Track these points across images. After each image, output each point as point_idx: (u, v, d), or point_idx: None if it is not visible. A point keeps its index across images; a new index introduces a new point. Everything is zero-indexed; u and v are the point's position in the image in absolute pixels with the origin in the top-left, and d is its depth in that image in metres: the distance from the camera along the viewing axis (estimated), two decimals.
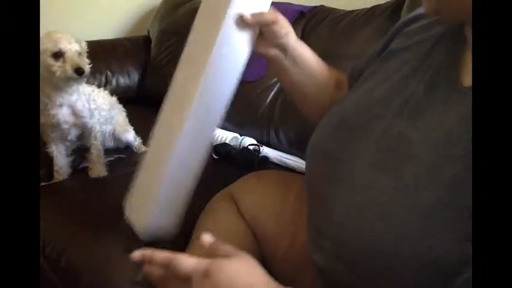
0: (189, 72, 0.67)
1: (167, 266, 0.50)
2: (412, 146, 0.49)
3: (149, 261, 0.53)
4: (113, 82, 1.72)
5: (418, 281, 0.45)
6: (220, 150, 1.25)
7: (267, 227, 0.73)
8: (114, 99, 1.29)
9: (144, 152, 1.00)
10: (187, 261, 0.48)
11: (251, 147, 1.27)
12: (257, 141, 1.31)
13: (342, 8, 1.41)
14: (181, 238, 0.79)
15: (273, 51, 0.71)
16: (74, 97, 1.09)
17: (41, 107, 1.06)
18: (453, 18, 0.52)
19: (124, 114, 1.32)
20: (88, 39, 1.75)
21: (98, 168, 1.16)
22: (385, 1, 1.32)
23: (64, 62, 1.02)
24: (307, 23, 1.40)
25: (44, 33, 1.04)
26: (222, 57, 0.64)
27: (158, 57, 1.71)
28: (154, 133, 0.69)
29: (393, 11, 1.25)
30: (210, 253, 0.51)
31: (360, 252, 0.49)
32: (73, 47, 1.05)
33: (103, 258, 0.87)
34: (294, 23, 1.42)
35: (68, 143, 1.18)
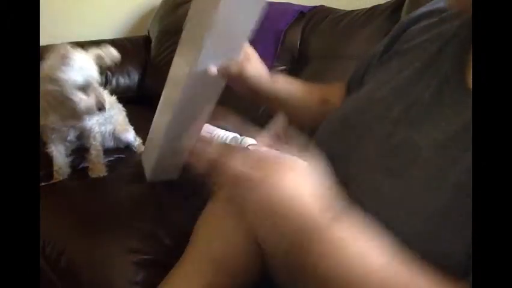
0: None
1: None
2: (419, 151, 0.48)
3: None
4: (113, 82, 1.72)
5: None
6: None
7: (267, 226, 0.73)
8: (114, 98, 1.29)
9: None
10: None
11: (251, 148, 1.26)
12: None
13: (342, 8, 1.41)
14: (181, 238, 0.78)
15: (246, 90, 0.73)
16: None
17: (41, 111, 1.04)
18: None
19: (124, 113, 1.32)
20: (88, 39, 1.77)
21: (98, 168, 1.16)
22: (385, 1, 1.32)
23: (89, 94, 0.98)
24: (307, 23, 1.40)
25: (62, 52, 0.96)
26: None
27: (158, 57, 1.71)
28: (164, 88, 0.75)
29: (393, 11, 1.25)
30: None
31: None
32: (96, 75, 1.00)
33: (103, 258, 0.87)
34: (294, 23, 1.42)
35: (67, 144, 1.18)
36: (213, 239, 0.72)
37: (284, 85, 0.75)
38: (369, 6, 1.34)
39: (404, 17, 0.67)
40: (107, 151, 1.24)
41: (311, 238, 0.44)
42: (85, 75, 0.96)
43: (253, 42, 1.45)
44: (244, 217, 0.74)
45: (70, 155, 1.20)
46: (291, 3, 1.51)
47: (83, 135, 1.16)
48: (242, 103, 1.46)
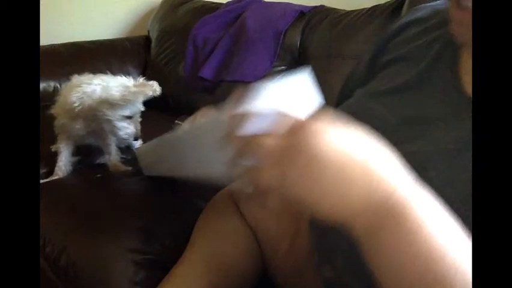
0: None
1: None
2: (426, 161, 0.46)
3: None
4: None
5: None
6: None
7: (268, 226, 0.73)
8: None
9: None
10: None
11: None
12: None
13: (342, 8, 1.41)
14: (181, 238, 0.79)
15: None
16: None
17: (70, 117, 1.09)
18: None
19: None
20: (88, 39, 1.77)
21: (118, 165, 1.18)
22: (385, 1, 1.32)
23: (130, 124, 1.05)
24: (308, 23, 1.40)
25: (120, 84, 1.03)
26: None
27: (158, 57, 1.71)
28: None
29: (393, 11, 1.25)
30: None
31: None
32: (141, 107, 1.07)
33: (103, 258, 0.87)
34: (294, 23, 1.42)
35: (79, 141, 1.19)
36: (213, 239, 0.72)
37: None
38: (369, 6, 1.34)
39: (387, 28, 0.66)
40: None
41: (395, 207, 0.34)
42: (133, 108, 1.05)
43: (254, 42, 1.46)
44: (244, 217, 0.74)
45: (76, 154, 1.21)
46: (291, 3, 1.51)
47: (100, 137, 1.17)
48: None
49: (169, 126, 1.40)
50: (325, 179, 0.35)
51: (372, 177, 0.35)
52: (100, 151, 1.23)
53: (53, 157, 1.18)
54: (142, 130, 1.12)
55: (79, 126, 1.10)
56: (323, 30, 1.36)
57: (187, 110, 1.52)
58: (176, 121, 1.42)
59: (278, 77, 0.44)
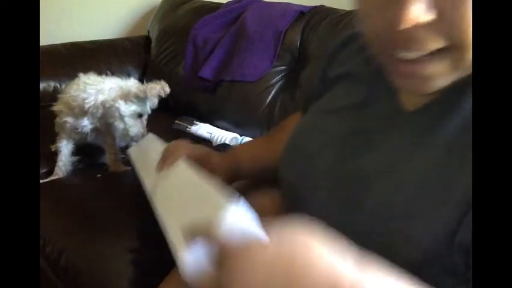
0: None
1: None
2: (370, 181, 0.47)
3: None
4: None
5: None
6: (220, 150, 1.25)
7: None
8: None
9: None
10: None
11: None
12: None
13: (342, 8, 1.41)
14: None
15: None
16: None
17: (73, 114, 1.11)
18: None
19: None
20: (88, 39, 1.77)
21: (117, 164, 1.19)
22: None
23: (140, 122, 1.09)
24: (307, 23, 1.40)
25: (134, 82, 1.09)
26: None
27: (158, 57, 1.71)
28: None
29: None
30: None
31: None
32: (149, 108, 1.11)
33: (103, 258, 0.87)
34: (294, 23, 1.42)
35: (79, 140, 1.20)
36: None
37: (251, 165, 0.73)
38: None
39: (334, 42, 0.67)
40: None
41: None
42: (144, 108, 1.09)
43: (254, 42, 1.46)
44: None
45: (75, 154, 1.21)
46: (291, 3, 1.51)
47: (102, 136, 1.18)
48: (242, 103, 1.46)
49: (169, 126, 1.40)
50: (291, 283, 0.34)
51: (333, 276, 0.34)
52: (100, 151, 1.24)
53: (53, 157, 1.18)
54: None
55: (84, 124, 1.11)
56: (323, 30, 1.36)
57: (187, 110, 1.53)
58: (176, 121, 1.42)
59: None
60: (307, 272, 0.34)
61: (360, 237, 0.46)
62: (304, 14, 1.44)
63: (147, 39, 1.86)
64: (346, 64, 0.61)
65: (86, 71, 1.15)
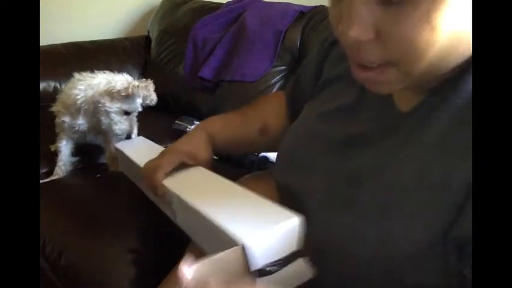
0: None
1: None
2: (364, 181, 0.48)
3: None
4: None
5: None
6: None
7: None
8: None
9: None
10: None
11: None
12: None
13: None
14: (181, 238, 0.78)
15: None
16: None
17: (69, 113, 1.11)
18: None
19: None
20: (88, 39, 1.77)
21: (116, 164, 1.18)
22: None
23: (126, 120, 1.07)
24: (307, 23, 1.40)
25: (124, 79, 1.07)
26: None
27: (158, 57, 1.71)
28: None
29: None
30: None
31: None
32: (139, 106, 1.09)
33: (103, 258, 0.87)
34: (294, 23, 1.42)
35: (79, 139, 1.20)
36: None
37: (224, 135, 0.75)
38: None
39: (325, 36, 0.67)
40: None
41: None
42: (133, 105, 1.07)
43: (254, 42, 1.46)
44: None
45: (76, 154, 1.21)
46: (291, 3, 1.51)
47: (100, 134, 1.18)
48: (242, 103, 1.46)
49: (169, 126, 1.40)
50: None
51: None
52: (100, 151, 1.24)
53: (53, 157, 1.18)
54: (142, 130, 1.12)
55: (80, 122, 1.11)
56: (323, 30, 1.36)
57: (187, 110, 1.53)
58: (176, 121, 1.42)
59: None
60: None
61: (356, 237, 0.47)
62: (304, 14, 1.43)
63: (147, 39, 1.86)
64: (339, 64, 0.61)
65: (86, 71, 1.15)
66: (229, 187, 0.61)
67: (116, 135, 1.08)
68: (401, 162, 0.46)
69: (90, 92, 1.05)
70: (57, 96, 1.15)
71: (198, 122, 1.41)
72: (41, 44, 1.30)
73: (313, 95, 0.64)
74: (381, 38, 0.40)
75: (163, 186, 0.66)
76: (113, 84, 1.04)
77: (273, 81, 1.41)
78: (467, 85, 0.42)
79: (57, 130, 1.17)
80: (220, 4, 1.70)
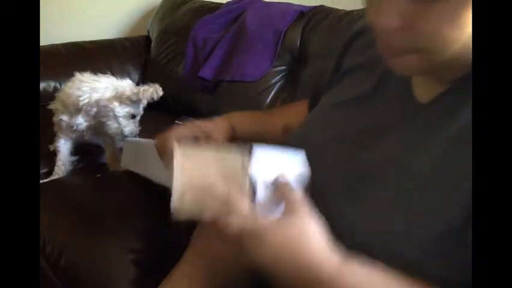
0: None
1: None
2: (381, 173, 0.48)
3: None
4: None
5: None
6: None
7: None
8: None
9: None
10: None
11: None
12: None
13: (342, 8, 1.41)
14: (181, 238, 0.79)
15: None
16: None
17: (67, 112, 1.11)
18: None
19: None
20: (88, 39, 1.77)
21: (116, 164, 1.19)
22: None
23: (133, 122, 1.11)
24: (307, 23, 1.40)
25: (129, 83, 1.10)
26: None
27: (158, 57, 1.71)
28: None
29: None
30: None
31: None
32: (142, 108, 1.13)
33: (103, 258, 0.87)
34: (294, 23, 1.42)
35: (77, 138, 1.20)
36: (214, 239, 0.72)
37: (246, 128, 0.75)
38: None
39: (348, 29, 0.68)
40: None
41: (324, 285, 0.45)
42: (138, 109, 1.11)
43: (254, 42, 1.46)
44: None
45: (74, 154, 1.21)
46: (291, 3, 1.51)
47: (99, 134, 1.19)
48: (242, 103, 1.46)
49: (169, 126, 1.40)
50: (283, 264, 0.45)
51: (315, 267, 0.45)
52: (100, 151, 1.24)
53: (53, 157, 1.18)
54: (142, 130, 1.13)
55: (79, 122, 1.11)
56: (323, 30, 1.36)
57: (187, 110, 1.53)
58: (176, 121, 1.42)
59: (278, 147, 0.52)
60: (297, 256, 0.45)
61: (370, 229, 0.47)
62: (304, 14, 1.43)
63: (147, 39, 1.86)
64: (359, 56, 0.61)
65: (86, 71, 1.15)
66: None
67: (126, 137, 1.11)
68: (420, 154, 0.46)
69: (95, 96, 1.06)
70: (56, 94, 1.15)
71: None
72: (41, 44, 1.29)
73: (330, 87, 0.65)
74: (407, 28, 0.41)
75: (172, 143, 0.66)
76: (121, 90, 1.07)
77: (273, 81, 1.41)
78: None
79: (55, 129, 1.17)
80: (220, 4, 1.70)
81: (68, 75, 1.14)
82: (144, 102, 1.10)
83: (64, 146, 1.17)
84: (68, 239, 0.94)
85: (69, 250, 0.91)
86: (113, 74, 1.73)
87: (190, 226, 0.78)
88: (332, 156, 0.54)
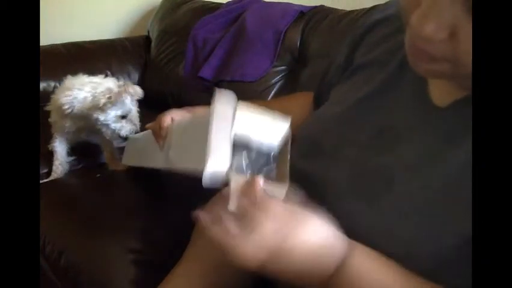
0: None
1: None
2: (392, 176, 0.47)
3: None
4: None
5: None
6: None
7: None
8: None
9: None
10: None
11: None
12: None
13: (342, 8, 1.41)
14: (181, 238, 0.78)
15: None
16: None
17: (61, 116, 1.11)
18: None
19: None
20: (88, 39, 1.77)
21: (116, 163, 1.19)
22: (385, 1, 1.32)
23: (127, 122, 1.08)
24: (307, 23, 1.40)
25: (106, 88, 1.06)
26: None
27: (158, 57, 1.71)
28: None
29: None
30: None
31: None
32: (131, 107, 1.10)
33: (103, 258, 0.87)
34: (294, 23, 1.42)
35: (73, 138, 1.20)
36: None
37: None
38: (369, 6, 1.33)
39: (359, 24, 0.66)
40: None
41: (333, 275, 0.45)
42: (124, 108, 1.07)
43: (253, 42, 1.46)
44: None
45: (71, 154, 1.21)
46: (291, 3, 1.51)
47: (94, 133, 1.18)
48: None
49: None
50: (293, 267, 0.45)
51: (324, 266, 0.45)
52: (99, 151, 1.24)
53: (52, 157, 1.18)
54: (142, 130, 1.12)
55: (68, 124, 1.12)
56: (323, 30, 1.36)
57: None
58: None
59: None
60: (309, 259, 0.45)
61: (383, 234, 0.46)
62: (304, 14, 1.43)
63: (147, 39, 1.86)
64: (372, 51, 0.60)
65: (86, 71, 1.15)
66: None
67: (126, 138, 1.09)
68: (438, 163, 0.45)
69: (77, 106, 1.05)
70: (51, 96, 1.16)
71: None
72: (41, 44, 1.30)
73: (341, 81, 0.63)
74: (453, 40, 0.39)
75: (167, 123, 0.70)
76: (97, 100, 1.03)
77: (273, 81, 1.41)
78: None
79: (52, 130, 1.17)
80: (220, 4, 1.70)
81: (68, 75, 1.15)
82: (127, 100, 1.06)
83: (60, 146, 1.18)
84: (68, 239, 0.94)
85: (69, 250, 0.91)
86: (113, 74, 1.74)
87: (190, 224, 0.78)
88: (348, 158, 0.53)
